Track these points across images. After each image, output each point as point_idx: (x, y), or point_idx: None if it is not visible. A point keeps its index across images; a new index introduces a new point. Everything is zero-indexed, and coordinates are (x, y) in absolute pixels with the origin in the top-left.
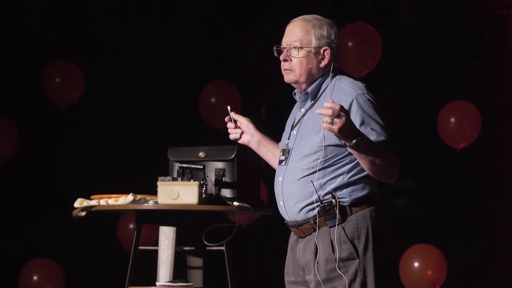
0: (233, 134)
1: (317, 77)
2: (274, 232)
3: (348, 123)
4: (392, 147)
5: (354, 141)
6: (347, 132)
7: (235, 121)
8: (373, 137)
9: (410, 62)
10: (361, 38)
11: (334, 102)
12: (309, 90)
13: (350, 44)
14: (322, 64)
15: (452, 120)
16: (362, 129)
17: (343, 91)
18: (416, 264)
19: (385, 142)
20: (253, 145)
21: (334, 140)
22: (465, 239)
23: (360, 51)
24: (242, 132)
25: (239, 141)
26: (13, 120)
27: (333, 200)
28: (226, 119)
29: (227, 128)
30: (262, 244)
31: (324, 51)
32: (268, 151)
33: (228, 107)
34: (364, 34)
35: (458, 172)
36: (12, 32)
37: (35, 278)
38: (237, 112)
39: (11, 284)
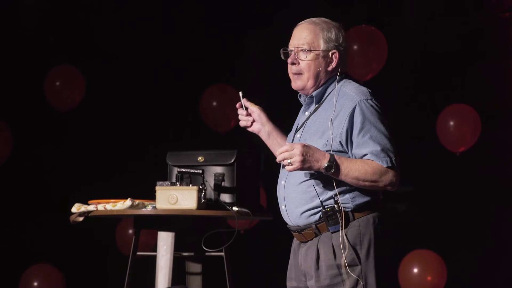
0: (244, 121)
1: (324, 81)
2: (273, 237)
3: (309, 155)
4: (388, 157)
5: (324, 169)
6: (312, 162)
7: (247, 109)
8: (368, 147)
9: (410, 64)
10: (367, 41)
11: (285, 147)
12: (314, 93)
13: (355, 47)
14: (330, 67)
15: (452, 123)
16: (359, 138)
17: (347, 96)
18: (415, 270)
19: (380, 152)
20: (263, 135)
21: (337, 146)
22: (466, 244)
23: (365, 54)
24: (253, 121)
25: (249, 129)
26: (7, 122)
27: (336, 205)
28: (238, 105)
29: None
30: (262, 249)
31: (332, 54)
32: (277, 144)
33: (240, 93)
34: (369, 37)
35: (458, 176)
36: (11, 35)
37: (35, 284)
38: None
39: None
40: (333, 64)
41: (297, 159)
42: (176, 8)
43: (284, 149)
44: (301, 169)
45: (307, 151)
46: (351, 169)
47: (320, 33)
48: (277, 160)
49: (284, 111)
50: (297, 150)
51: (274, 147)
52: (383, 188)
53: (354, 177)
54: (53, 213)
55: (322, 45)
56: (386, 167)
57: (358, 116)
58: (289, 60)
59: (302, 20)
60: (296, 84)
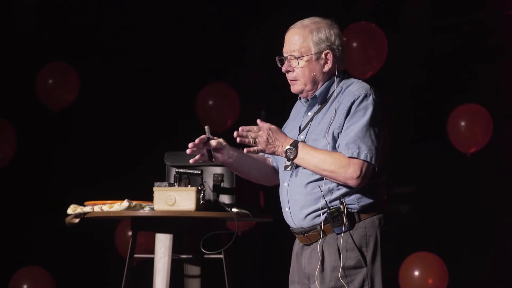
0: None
1: (323, 81)
2: (273, 239)
3: (273, 138)
4: (357, 148)
5: (284, 152)
6: (276, 145)
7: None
8: (344, 139)
9: (416, 63)
10: (366, 39)
11: (251, 127)
12: (317, 93)
13: (354, 44)
14: (326, 68)
15: (463, 123)
16: (343, 130)
17: (349, 93)
18: (416, 273)
19: (351, 143)
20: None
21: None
22: (468, 246)
23: (365, 52)
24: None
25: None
26: (12, 123)
27: (341, 206)
28: (199, 141)
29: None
30: (262, 251)
31: (326, 54)
32: (252, 159)
33: (206, 127)
34: (369, 35)
35: (464, 177)
36: (6, 32)
37: (25, 287)
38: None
39: None
40: (329, 64)
41: (262, 139)
42: (175, 7)
43: (251, 129)
44: (264, 151)
45: (272, 134)
46: (312, 156)
47: (309, 36)
48: (237, 133)
49: (284, 110)
50: (263, 132)
51: (253, 161)
52: (344, 181)
53: (313, 165)
54: (47, 214)
55: (313, 48)
56: (349, 157)
57: (351, 110)
58: (283, 69)
59: (301, 20)
60: (294, 88)
